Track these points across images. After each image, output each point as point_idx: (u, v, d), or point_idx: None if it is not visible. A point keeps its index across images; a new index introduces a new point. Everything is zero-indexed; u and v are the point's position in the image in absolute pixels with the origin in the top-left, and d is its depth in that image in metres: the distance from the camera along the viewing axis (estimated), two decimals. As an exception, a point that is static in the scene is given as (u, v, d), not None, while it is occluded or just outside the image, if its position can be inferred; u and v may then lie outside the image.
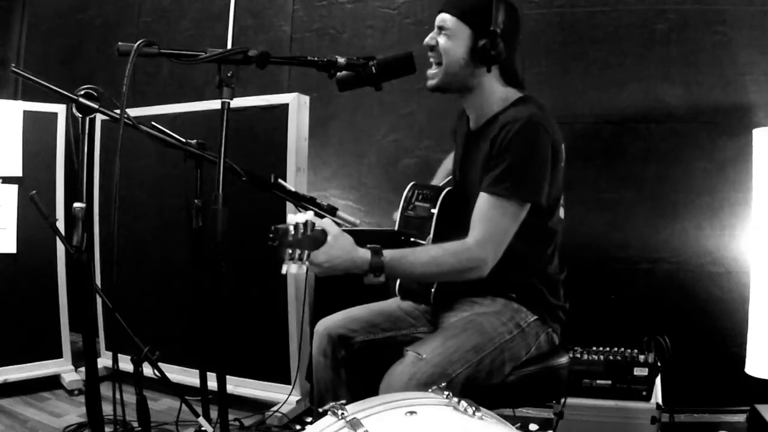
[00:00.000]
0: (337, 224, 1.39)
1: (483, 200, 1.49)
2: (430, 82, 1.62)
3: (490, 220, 1.47)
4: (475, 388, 1.44)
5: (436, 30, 1.58)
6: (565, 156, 1.61)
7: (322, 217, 1.42)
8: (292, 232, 1.24)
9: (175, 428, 2.34)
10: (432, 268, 1.46)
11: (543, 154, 1.49)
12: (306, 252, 1.28)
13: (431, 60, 1.61)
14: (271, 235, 1.22)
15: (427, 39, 1.59)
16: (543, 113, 1.53)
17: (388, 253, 1.41)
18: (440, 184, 1.90)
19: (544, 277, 1.65)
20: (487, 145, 1.54)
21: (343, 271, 1.38)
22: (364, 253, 1.39)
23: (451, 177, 1.88)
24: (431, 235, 1.60)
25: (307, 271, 1.32)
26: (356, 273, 1.40)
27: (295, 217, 1.26)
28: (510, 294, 1.62)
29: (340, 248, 1.35)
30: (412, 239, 1.62)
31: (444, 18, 1.56)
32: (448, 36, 1.56)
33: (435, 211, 1.63)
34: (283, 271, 1.27)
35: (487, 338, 1.51)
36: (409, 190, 1.73)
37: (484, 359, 1.49)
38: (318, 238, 1.32)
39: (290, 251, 1.25)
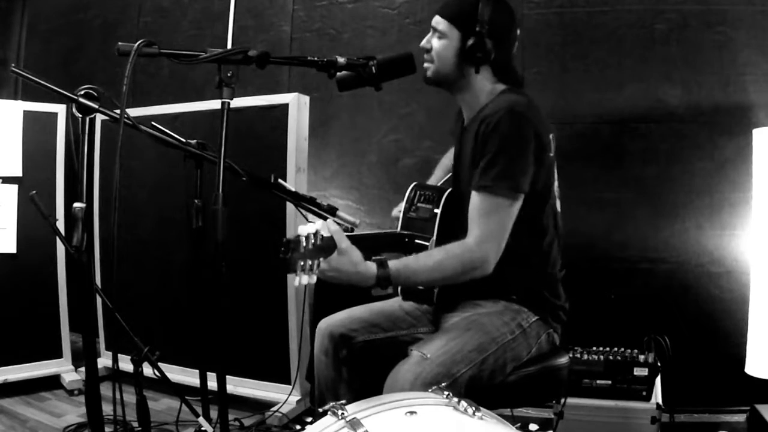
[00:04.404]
0: (338, 224, 1.39)
1: (475, 198, 1.50)
2: (425, 75, 1.65)
3: (486, 216, 1.48)
4: (478, 387, 1.44)
5: (431, 32, 1.62)
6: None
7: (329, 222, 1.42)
8: (304, 244, 1.24)
9: (175, 428, 2.34)
10: (436, 273, 1.47)
11: (525, 140, 1.49)
12: (316, 262, 1.28)
13: (426, 61, 1.64)
14: (282, 248, 1.22)
15: (423, 42, 1.64)
16: (525, 101, 1.54)
17: (392, 264, 1.42)
18: (439, 183, 1.91)
19: (543, 276, 1.65)
20: (473, 140, 1.55)
21: (347, 282, 1.37)
22: (370, 266, 1.40)
23: (451, 175, 1.89)
24: (434, 236, 1.60)
25: (317, 279, 1.32)
26: (362, 286, 1.40)
27: (306, 228, 1.26)
28: (511, 296, 1.62)
29: (347, 260, 1.35)
30: (416, 241, 1.62)
31: (437, 20, 1.60)
32: (440, 38, 1.60)
33: (438, 211, 1.63)
34: (296, 283, 1.27)
35: (490, 338, 1.52)
36: (411, 191, 1.73)
37: (488, 359, 1.49)
38: (327, 248, 1.32)
39: (302, 263, 1.25)
